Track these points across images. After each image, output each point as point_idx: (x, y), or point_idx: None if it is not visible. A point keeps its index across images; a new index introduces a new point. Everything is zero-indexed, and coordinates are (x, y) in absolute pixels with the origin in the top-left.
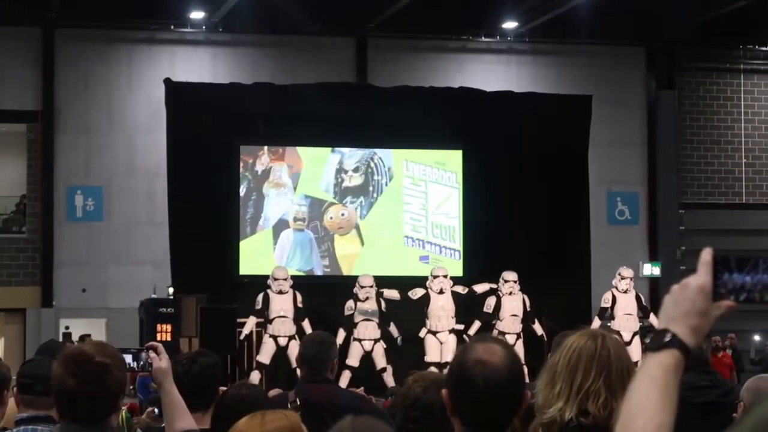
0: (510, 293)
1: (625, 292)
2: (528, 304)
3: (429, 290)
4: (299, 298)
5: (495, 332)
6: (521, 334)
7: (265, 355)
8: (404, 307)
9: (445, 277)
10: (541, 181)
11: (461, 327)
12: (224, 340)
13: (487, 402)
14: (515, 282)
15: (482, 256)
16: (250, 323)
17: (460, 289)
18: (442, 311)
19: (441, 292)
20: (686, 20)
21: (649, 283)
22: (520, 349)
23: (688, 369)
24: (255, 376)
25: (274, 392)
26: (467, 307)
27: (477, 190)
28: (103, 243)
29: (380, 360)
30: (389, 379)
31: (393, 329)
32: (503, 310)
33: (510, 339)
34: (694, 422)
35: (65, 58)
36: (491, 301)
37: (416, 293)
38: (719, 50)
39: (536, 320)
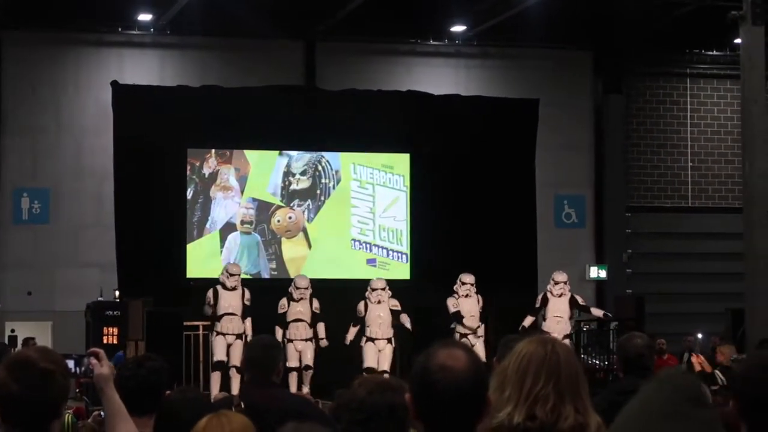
0: (467, 295)
1: (560, 296)
2: (481, 303)
3: (368, 301)
4: (247, 295)
5: (457, 335)
6: (477, 331)
7: (220, 353)
8: (339, 313)
9: (383, 289)
10: (489, 184)
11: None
12: (170, 343)
13: (450, 407)
14: (472, 285)
15: (429, 259)
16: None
17: (393, 305)
18: (380, 319)
19: (379, 302)
20: (633, 25)
21: (595, 285)
22: (481, 349)
23: (628, 372)
24: (215, 377)
25: (218, 395)
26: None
27: (424, 193)
28: (50, 245)
29: (306, 359)
30: (306, 379)
31: (320, 330)
32: (462, 311)
33: (472, 339)
34: None
35: (12, 60)
36: (450, 303)
37: (360, 312)
38: (666, 55)
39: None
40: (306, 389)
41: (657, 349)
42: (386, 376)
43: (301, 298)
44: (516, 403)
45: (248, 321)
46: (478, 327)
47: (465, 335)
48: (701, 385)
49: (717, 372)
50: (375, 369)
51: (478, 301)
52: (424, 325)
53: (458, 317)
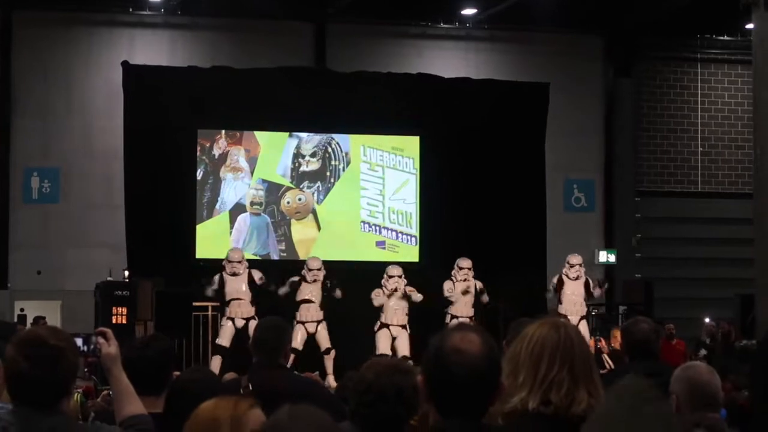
0: (464, 280)
1: (576, 278)
2: (479, 288)
3: (384, 288)
4: (257, 275)
5: (449, 317)
6: (473, 318)
7: (225, 338)
8: (348, 295)
9: (400, 277)
10: (498, 167)
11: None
12: (179, 324)
13: (463, 390)
14: (469, 269)
15: (439, 242)
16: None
17: (410, 290)
18: (397, 306)
19: (396, 290)
20: (644, 9)
21: (604, 270)
22: None
23: (634, 357)
24: (216, 361)
25: (227, 376)
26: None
27: (434, 176)
28: (60, 225)
29: (324, 341)
30: (329, 363)
31: (337, 293)
32: (456, 293)
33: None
34: None
35: (23, 40)
36: (448, 286)
37: (379, 299)
38: (676, 39)
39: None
40: (331, 378)
41: (666, 333)
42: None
43: (315, 280)
44: (530, 389)
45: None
46: (472, 316)
47: (456, 317)
48: (650, 384)
49: (605, 356)
50: (387, 356)
51: (476, 287)
52: (432, 308)
53: (449, 302)
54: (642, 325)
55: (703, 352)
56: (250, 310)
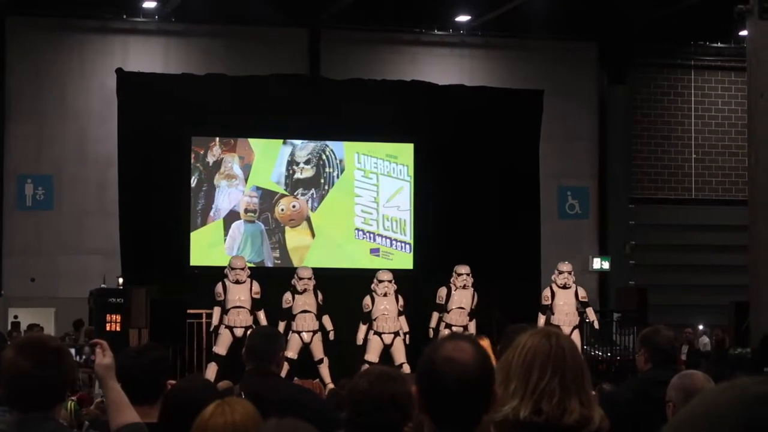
0: (464, 286)
1: (564, 287)
2: (476, 299)
3: (374, 294)
4: (256, 288)
5: (442, 324)
6: (467, 327)
7: (222, 347)
8: (342, 302)
9: (390, 281)
10: (492, 174)
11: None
12: (174, 331)
13: (456, 400)
14: (468, 275)
15: (433, 249)
16: (216, 314)
17: (400, 305)
18: (386, 312)
19: (386, 295)
20: (639, 16)
21: (598, 276)
22: None
23: (655, 364)
24: (212, 368)
25: (222, 384)
26: (415, 304)
27: (428, 183)
28: (53, 232)
29: (318, 352)
30: (325, 372)
31: (327, 322)
32: (451, 302)
33: (456, 331)
34: (651, 415)
35: (17, 46)
36: (442, 293)
37: (367, 305)
38: (670, 46)
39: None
40: (331, 387)
41: None
42: (407, 367)
43: (305, 289)
44: (522, 398)
45: (261, 313)
46: (467, 325)
47: (450, 326)
48: None
49: None
50: (375, 363)
51: (473, 296)
52: (426, 315)
53: (442, 309)
54: (666, 332)
55: (683, 357)
56: (249, 319)
